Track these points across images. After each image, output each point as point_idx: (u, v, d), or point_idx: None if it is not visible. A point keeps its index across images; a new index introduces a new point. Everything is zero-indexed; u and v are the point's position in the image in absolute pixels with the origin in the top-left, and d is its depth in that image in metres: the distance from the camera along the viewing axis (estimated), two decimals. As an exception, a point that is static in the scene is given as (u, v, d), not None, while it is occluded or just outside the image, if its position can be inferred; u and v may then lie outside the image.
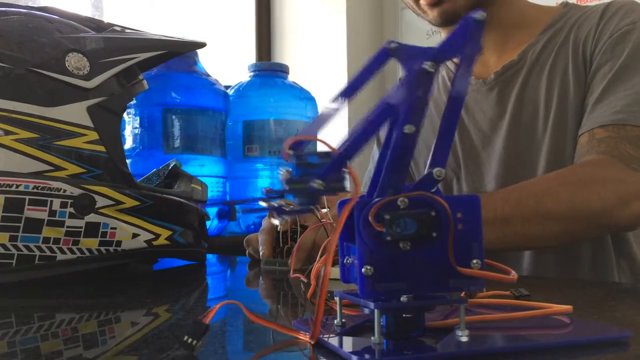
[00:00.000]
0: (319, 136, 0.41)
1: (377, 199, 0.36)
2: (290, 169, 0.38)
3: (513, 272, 0.39)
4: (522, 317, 0.38)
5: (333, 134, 0.43)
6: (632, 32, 0.78)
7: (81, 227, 0.63)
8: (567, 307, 0.38)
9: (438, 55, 0.37)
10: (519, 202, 0.69)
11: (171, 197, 0.72)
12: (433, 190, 0.38)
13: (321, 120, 0.42)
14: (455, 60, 0.38)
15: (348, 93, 0.46)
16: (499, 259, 0.38)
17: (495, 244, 0.66)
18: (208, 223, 0.84)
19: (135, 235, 0.67)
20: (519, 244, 0.73)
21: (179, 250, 0.74)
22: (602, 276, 0.82)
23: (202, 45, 0.83)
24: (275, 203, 0.39)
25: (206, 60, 1.26)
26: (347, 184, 0.39)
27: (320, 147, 0.41)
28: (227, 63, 2.03)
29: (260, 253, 0.75)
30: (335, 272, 0.43)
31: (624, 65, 0.76)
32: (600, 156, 0.73)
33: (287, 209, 0.38)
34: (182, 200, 0.74)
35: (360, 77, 0.45)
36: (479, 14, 0.36)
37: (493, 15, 0.85)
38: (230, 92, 1.33)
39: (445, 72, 0.95)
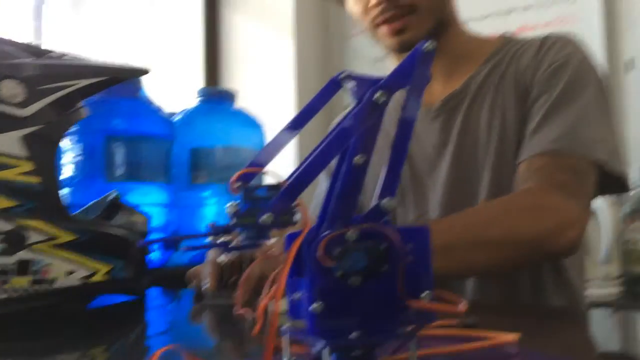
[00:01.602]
0: (268, 167, 0.40)
1: (326, 232, 0.35)
2: (238, 202, 0.37)
3: (463, 301, 0.39)
4: (472, 349, 0.38)
5: (282, 165, 0.42)
6: (567, 65, 0.81)
7: (12, 265, 0.59)
8: (514, 337, 0.39)
9: (388, 85, 0.37)
10: (464, 229, 0.70)
11: (110, 230, 0.69)
12: (382, 221, 0.38)
13: (270, 150, 0.42)
14: (404, 89, 0.38)
15: (298, 123, 0.45)
16: (444, 286, 0.38)
17: (441, 272, 0.66)
18: (150, 255, 0.81)
19: (70, 272, 0.64)
20: (463, 271, 0.74)
21: (118, 286, 0.71)
22: (541, 300, 0.84)
23: (145, 72, 0.81)
24: (221, 239, 0.37)
25: (152, 86, 1.23)
26: (297, 217, 0.38)
27: (270, 179, 0.40)
28: (175, 89, 2.00)
29: (205, 286, 0.73)
30: (283, 305, 0.42)
31: (559, 97, 0.79)
32: (539, 184, 0.75)
33: (234, 245, 0.36)
34: (121, 233, 0.71)
35: (311, 106, 0.45)
36: (428, 44, 0.37)
37: (441, 46, 0.88)
38: (176, 118, 1.30)
39: (393, 101, 0.96)
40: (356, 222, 0.37)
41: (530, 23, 1.81)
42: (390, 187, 0.39)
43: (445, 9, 0.89)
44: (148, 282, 0.78)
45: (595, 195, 0.79)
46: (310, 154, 0.40)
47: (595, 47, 1.60)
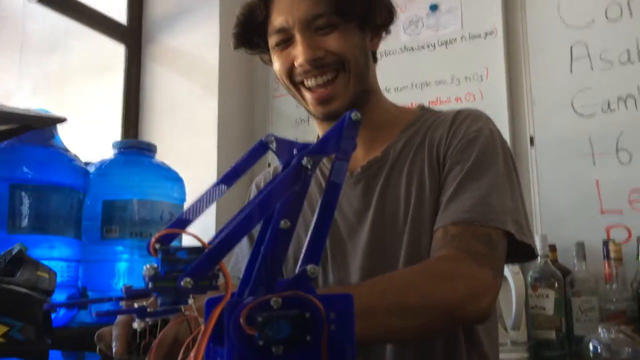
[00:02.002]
0: (189, 230, 0.39)
1: (249, 299, 0.35)
2: (156, 265, 0.35)
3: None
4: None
5: (199, 223, 0.41)
6: (478, 139, 0.87)
7: None
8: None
9: (315, 151, 0.37)
10: (383, 294, 0.70)
11: (11, 287, 0.64)
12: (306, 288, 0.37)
13: (196, 208, 0.41)
14: (330, 156, 0.38)
15: (226, 181, 0.44)
16: (365, 351, 0.38)
17: (361, 336, 0.66)
18: (54, 313, 0.75)
19: (-37, 332, 0.58)
20: (382, 336, 0.74)
21: (16, 348, 0.65)
22: (455, 364, 0.85)
23: (60, 120, 0.78)
24: (136, 303, 0.35)
25: (69, 135, 1.18)
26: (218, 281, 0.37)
27: (190, 241, 0.39)
28: (93, 139, 1.94)
29: (113, 350, 0.68)
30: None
31: (471, 168, 0.84)
32: (454, 251, 0.78)
33: (150, 311, 0.35)
34: (23, 290, 0.66)
35: (238, 166, 0.45)
36: (354, 114, 0.38)
37: (363, 114, 0.90)
38: (91, 169, 1.25)
39: (318, 171, 0.97)
40: (280, 288, 0.36)
41: (442, 97, 1.93)
42: (315, 253, 0.39)
43: (368, 78, 0.92)
44: (50, 345, 0.72)
45: (505, 263, 0.83)
46: (234, 218, 0.39)
47: (501, 122, 1.72)
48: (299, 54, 0.86)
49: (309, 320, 0.34)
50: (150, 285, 0.34)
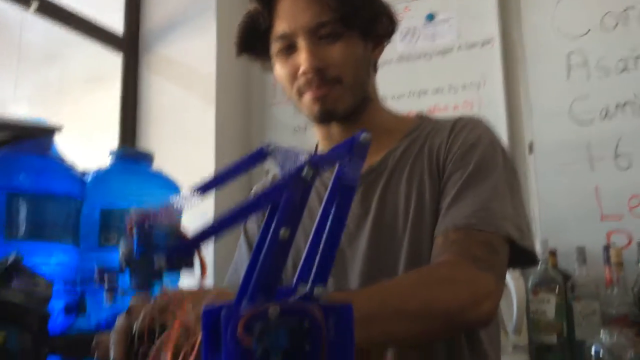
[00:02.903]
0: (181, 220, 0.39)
1: (247, 308, 0.34)
2: (132, 245, 0.35)
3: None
4: None
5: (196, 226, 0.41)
6: (477, 146, 0.86)
7: None
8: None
9: (317, 162, 0.37)
10: (383, 300, 0.70)
11: (7, 296, 0.64)
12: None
13: (182, 202, 0.40)
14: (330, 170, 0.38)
15: (217, 183, 0.44)
16: (366, 356, 0.38)
17: (361, 343, 0.66)
18: (52, 319, 0.74)
19: (-42, 342, 0.57)
20: (383, 341, 0.74)
21: (12, 357, 0.64)
22: (458, 373, 0.85)
23: (55, 130, 0.78)
24: (109, 284, 0.35)
25: (66, 144, 1.18)
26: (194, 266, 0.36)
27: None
28: (91, 148, 1.93)
29: (111, 356, 0.67)
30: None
31: (472, 174, 0.84)
32: (455, 257, 0.77)
33: (121, 289, 0.34)
34: (19, 299, 0.65)
35: (233, 170, 0.44)
36: (363, 137, 0.38)
37: (363, 121, 0.91)
38: (88, 178, 1.25)
39: (319, 182, 0.96)
40: (280, 297, 0.36)
41: (440, 105, 1.93)
42: (324, 271, 0.38)
43: (367, 87, 0.92)
44: (47, 352, 0.72)
45: (507, 268, 0.83)
46: (227, 211, 0.38)
47: (500, 129, 1.72)
48: (302, 61, 0.86)
49: (307, 329, 0.34)
50: (124, 264, 0.34)
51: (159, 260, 0.33)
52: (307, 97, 0.88)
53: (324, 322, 0.34)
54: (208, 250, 1.86)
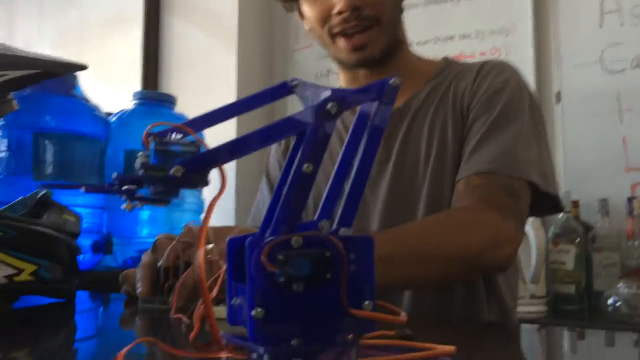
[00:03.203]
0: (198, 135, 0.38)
1: (270, 238, 0.35)
2: (149, 155, 0.35)
3: (403, 312, 0.39)
4: (410, 359, 0.38)
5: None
6: (504, 90, 0.85)
7: None
8: (451, 348, 0.39)
9: (343, 98, 0.36)
10: (403, 243, 0.71)
11: (38, 228, 0.66)
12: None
13: (205, 120, 0.40)
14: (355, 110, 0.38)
15: (237, 108, 0.44)
16: (382, 298, 0.38)
17: (380, 283, 0.67)
18: (80, 256, 0.77)
19: (-7, 270, 0.60)
20: (401, 283, 0.75)
21: (44, 286, 0.67)
22: (473, 314, 0.86)
23: (82, 67, 0.78)
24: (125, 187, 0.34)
25: (89, 86, 1.19)
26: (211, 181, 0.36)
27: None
28: (113, 91, 1.94)
29: (138, 290, 0.70)
30: (222, 311, 0.41)
31: (497, 119, 0.83)
32: (476, 202, 0.77)
33: (140, 196, 0.34)
34: (50, 232, 0.67)
35: (257, 97, 0.44)
36: (393, 81, 0.37)
37: (391, 64, 0.90)
38: (112, 119, 1.26)
39: (340, 123, 0.96)
40: (301, 230, 0.36)
41: (466, 52, 1.89)
42: (350, 213, 0.38)
43: (400, 28, 0.91)
44: (77, 285, 0.75)
45: (528, 215, 0.82)
46: (253, 131, 0.37)
47: (527, 78, 1.68)
48: (338, 0, 0.84)
49: (329, 259, 0.35)
50: (141, 172, 0.34)
51: (175, 170, 0.33)
52: (343, 42, 0.86)
53: (345, 253, 0.35)
54: (229, 196, 1.88)
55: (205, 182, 0.34)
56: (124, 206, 0.34)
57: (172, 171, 0.32)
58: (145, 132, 0.34)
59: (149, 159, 0.33)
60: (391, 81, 0.38)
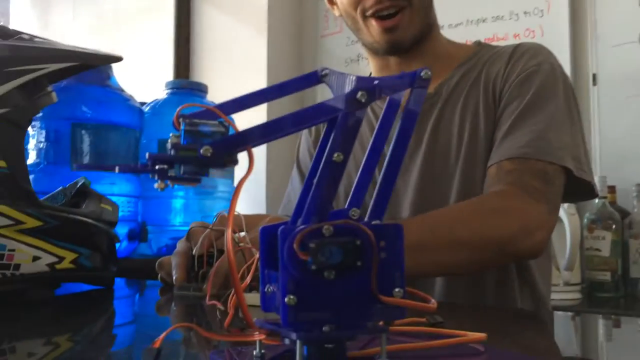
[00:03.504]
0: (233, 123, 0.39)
1: (302, 227, 0.36)
2: (179, 135, 0.36)
3: (432, 300, 0.39)
4: (440, 346, 0.38)
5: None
6: (537, 73, 0.83)
7: (-25, 249, 0.58)
8: (482, 335, 0.39)
9: (373, 87, 0.36)
10: (433, 229, 0.71)
11: (78, 217, 0.68)
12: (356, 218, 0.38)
13: (236, 104, 0.41)
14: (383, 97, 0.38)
15: (267, 94, 0.44)
16: (412, 285, 0.39)
17: (411, 270, 0.67)
18: (117, 245, 0.79)
19: (36, 258, 0.62)
20: (432, 270, 0.75)
21: (84, 274, 0.69)
22: (505, 302, 0.86)
23: (117, 59, 0.80)
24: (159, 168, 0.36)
25: (122, 75, 1.21)
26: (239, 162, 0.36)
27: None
28: (145, 79, 1.97)
29: (174, 277, 0.72)
30: (255, 298, 0.42)
31: (529, 103, 0.81)
32: (508, 187, 0.77)
33: (172, 174, 0.35)
34: (90, 220, 0.69)
35: (286, 85, 0.44)
36: (424, 72, 0.37)
37: (422, 48, 0.89)
38: (145, 109, 1.28)
39: (370, 111, 0.96)
40: (332, 218, 0.37)
41: (499, 34, 1.85)
42: (382, 203, 0.38)
43: (431, 11, 0.90)
44: (116, 272, 0.77)
45: (562, 201, 0.81)
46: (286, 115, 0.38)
47: (563, 59, 1.64)
48: None
49: (359, 247, 0.35)
50: (172, 152, 0.35)
51: (205, 149, 0.33)
52: (375, 25, 0.86)
53: (375, 241, 0.35)
54: (260, 186, 1.90)
55: (235, 162, 0.34)
56: (156, 185, 0.36)
57: (201, 151, 0.33)
58: (175, 114, 0.35)
59: (180, 140, 0.34)
60: (422, 73, 0.38)
